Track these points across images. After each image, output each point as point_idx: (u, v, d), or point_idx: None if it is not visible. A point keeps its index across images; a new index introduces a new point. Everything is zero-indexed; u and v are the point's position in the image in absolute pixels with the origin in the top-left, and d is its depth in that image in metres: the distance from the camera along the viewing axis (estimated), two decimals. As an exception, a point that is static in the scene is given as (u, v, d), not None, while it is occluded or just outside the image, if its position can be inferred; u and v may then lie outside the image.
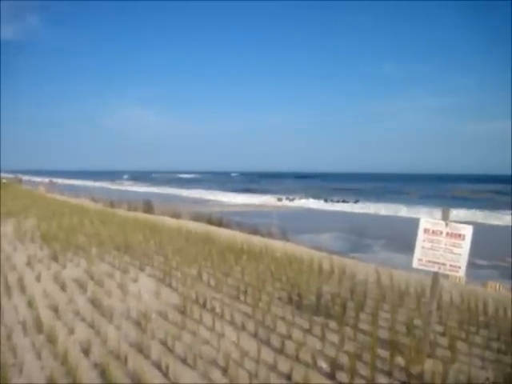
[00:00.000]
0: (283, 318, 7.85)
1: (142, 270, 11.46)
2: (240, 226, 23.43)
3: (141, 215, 25.31)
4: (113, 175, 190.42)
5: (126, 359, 6.23)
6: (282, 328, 7.38)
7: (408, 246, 7.14)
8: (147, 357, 6.37)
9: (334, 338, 7.03)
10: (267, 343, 6.86)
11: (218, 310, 8.30)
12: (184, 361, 6.24)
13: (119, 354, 6.37)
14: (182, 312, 8.15)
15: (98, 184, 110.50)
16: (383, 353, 6.41)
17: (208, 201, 65.08)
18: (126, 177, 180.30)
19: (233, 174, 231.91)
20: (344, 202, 71.11)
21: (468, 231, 6.01)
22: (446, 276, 9.21)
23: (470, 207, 56.78)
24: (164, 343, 6.82)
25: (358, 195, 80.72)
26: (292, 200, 73.21)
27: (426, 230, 6.23)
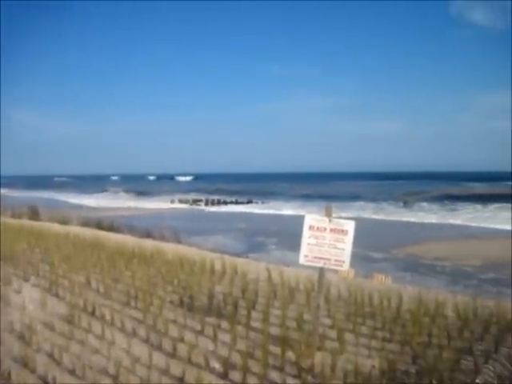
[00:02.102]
0: (175, 322, 7.76)
1: (26, 280, 10.84)
2: (131, 230, 22.97)
3: (26, 222, 24.03)
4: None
5: (9, 375, 5.88)
6: (173, 331, 7.28)
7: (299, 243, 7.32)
8: (33, 371, 6.05)
9: (226, 337, 7.04)
10: (159, 348, 6.74)
11: (107, 317, 8.04)
12: (72, 372, 5.98)
13: (1, 371, 6.00)
14: (70, 321, 7.82)
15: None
16: (275, 349, 6.50)
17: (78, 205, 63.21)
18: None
19: (113, 178, 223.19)
20: (237, 202, 71.85)
21: (350, 227, 6.25)
22: (336, 271, 9.51)
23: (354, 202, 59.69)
24: (50, 355, 6.49)
25: (250, 195, 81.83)
26: (186, 202, 72.89)
27: (310, 227, 6.40)
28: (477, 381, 5.76)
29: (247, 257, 16.75)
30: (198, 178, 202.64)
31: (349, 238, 6.24)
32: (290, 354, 6.32)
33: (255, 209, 59.95)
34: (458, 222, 42.71)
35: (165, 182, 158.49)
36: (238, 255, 16.41)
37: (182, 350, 6.54)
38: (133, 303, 8.85)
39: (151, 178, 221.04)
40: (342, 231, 6.26)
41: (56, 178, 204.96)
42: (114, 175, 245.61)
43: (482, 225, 39.59)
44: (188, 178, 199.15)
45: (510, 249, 23.99)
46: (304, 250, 6.46)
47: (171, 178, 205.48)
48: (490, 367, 6.16)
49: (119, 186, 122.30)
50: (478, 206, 55.92)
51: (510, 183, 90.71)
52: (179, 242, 19.38)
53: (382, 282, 11.89)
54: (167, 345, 6.79)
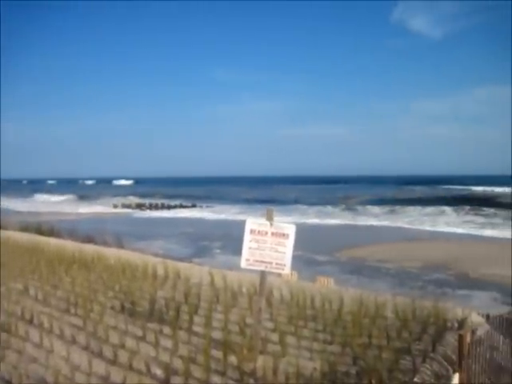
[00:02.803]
0: (116, 328, 7.64)
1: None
2: (72, 235, 22.46)
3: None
4: None
5: None
6: (114, 338, 7.17)
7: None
8: (-34, 383, 5.84)
9: (168, 343, 6.98)
10: (99, 355, 6.62)
11: (46, 324, 7.84)
12: (8, 382, 5.81)
13: None
14: (7, 330, 7.57)
15: None
16: (217, 353, 6.50)
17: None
18: None
19: (50, 182, 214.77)
20: (181, 206, 71.33)
21: (291, 230, 6.32)
22: (279, 274, 9.58)
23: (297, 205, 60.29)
24: (-15, 366, 6.28)
25: (195, 199, 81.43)
26: (129, 206, 71.77)
27: (252, 231, 6.44)
28: (415, 380, 5.92)
29: (191, 261, 16.65)
30: (138, 182, 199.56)
31: (290, 242, 6.30)
32: (233, 358, 6.33)
33: (200, 213, 59.75)
34: (399, 224, 43.75)
35: (104, 187, 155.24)
36: (182, 260, 16.31)
37: (123, 356, 6.45)
38: (72, 310, 8.66)
39: (90, 182, 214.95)
40: (283, 235, 6.32)
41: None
42: (50, 179, 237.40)
43: (422, 227, 40.68)
44: (128, 182, 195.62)
45: (449, 250, 24.91)
46: (245, 253, 6.48)
47: (109, 181, 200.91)
48: (428, 366, 6.34)
49: (57, 191, 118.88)
50: (418, 209, 57.50)
51: (448, 186, 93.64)
52: (122, 246, 19.10)
53: (324, 285, 12.03)
54: (108, 352, 6.68)
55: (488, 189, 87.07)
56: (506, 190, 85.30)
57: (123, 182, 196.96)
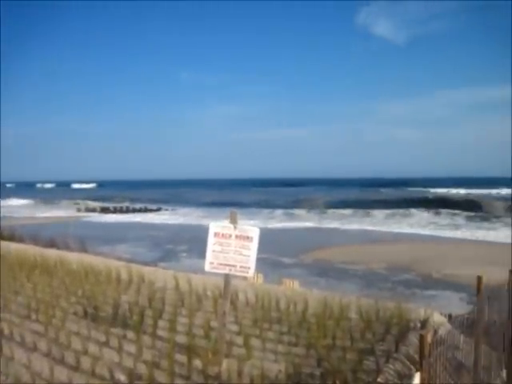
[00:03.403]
0: (78, 334, 7.51)
1: None
2: (34, 240, 22.00)
3: None
4: None
5: None
6: (77, 344, 7.04)
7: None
8: None
9: (131, 348, 6.90)
10: (61, 361, 6.50)
11: (6, 331, 7.66)
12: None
13: None
14: (-36, 338, 7.38)
15: None
16: (181, 358, 6.46)
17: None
18: None
19: (8, 185, 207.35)
20: (146, 209, 70.77)
21: (255, 233, 6.33)
22: (245, 277, 9.58)
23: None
24: None
25: (160, 202, 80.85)
26: (93, 210, 70.87)
27: (216, 234, 6.42)
28: (378, 380, 5.99)
29: (156, 265, 16.53)
30: (101, 185, 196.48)
31: (254, 245, 6.31)
32: (197, 362, 6.30)
33: (165, 216, 59.40)
34: (363, 226, 44.27)
35: (65, 190, 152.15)
36: (147, 264, 16.15)
37: (86, 362, 6.34)
38: (34, 316, 8.49)
39: (49, 185, 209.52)
40: (247, 238, 6.33)
41: None
42: (8, 183, 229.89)
43: (386, 229, 41.22)
44: (90, 186, 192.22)
45: (414, 251, 25.38)
46: (209, 256, 6.46)
47: (67, 185, 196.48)
48: (391, 366, 6.43)
49: (17, 194, 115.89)
50: (383, 211, 58.11)
51: (412, 189, 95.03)
52: (85, 251, 18.82)
53: (289, 287, 12.09)
54: (70, 358, 6.56)
55: (450, 191, 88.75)
56: (468, 191, 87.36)
57: (84, 185, 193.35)
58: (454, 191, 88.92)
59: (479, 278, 6.66)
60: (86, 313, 8.61)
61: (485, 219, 48.44)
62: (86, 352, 6.76)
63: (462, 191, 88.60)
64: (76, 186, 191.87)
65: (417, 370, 5.62)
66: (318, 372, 6.18)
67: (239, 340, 7.24)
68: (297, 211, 61.94)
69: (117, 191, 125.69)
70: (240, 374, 6.00)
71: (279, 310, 8.92)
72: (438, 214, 55.00)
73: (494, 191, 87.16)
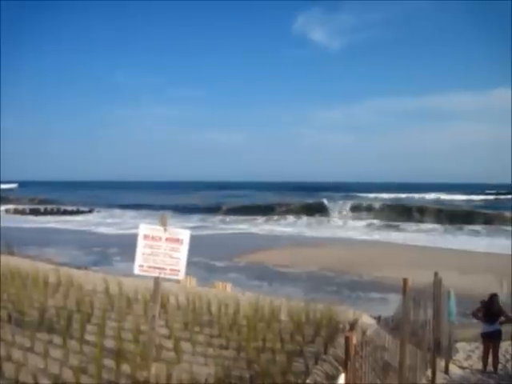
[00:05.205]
0: (1, 339, 7.24)
1: None
2: None
3: None
4: None
5: None
6: (-1, 350, 6.80)
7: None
8: None
9: (58, 353, 6.73)
10: (-18, 369, 6.25)
11: None
12: None
13: None
14: None
15: None
16: (110, 362, 6.36)
17: None
18: None
19: None
20: (79, 211, 68.99)
21: (186, 236, 6.31)
22: (178, 280, 9.51)
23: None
24: None
25: (93, 204, 79.00)
26: (22, 212, 68.42)
27: (145, 236, 6.35)
28: (307, 381, 6.09)
29: (86, 268, 16.18)
30: (23, 185, 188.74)
31: (184, 248, 6.29)
32: (126, 367, 6.22)
33: (98, 218, 58.13)
34: (298, 229, 44.99)
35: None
36: (78, 267, 15.79)
37: (9, 369, 6.12)
38: (-48, 322, 8.12)
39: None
40: (178, 240, 6.30)
41: None
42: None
43: (319, 234, 41.86)
44: (12, 186, 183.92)
45: (345, 255, 26.08)
46: (139, 259, 6.39)
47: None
48: (320, 367, 6.56)
49: None
50: (317, 216, 58.91)
51: (345, 194, 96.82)
52: (12, 253, 18.16)
53: (222, 290, 12.12)
54: (-8, 365, 6.32)
55: (379, 195, 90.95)
56: (398, 195, 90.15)
57: (3, 185, 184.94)
58: (385, 196, 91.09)
59: (405, 280, 6.90)
60: (10, 317, 8.31)
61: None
62: (9, 358, 6.52)
63: (391, 195, 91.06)
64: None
65: (343, 371, 5.78)
66: (247, 374, 6.23)
67: (169, 344, 7.21)
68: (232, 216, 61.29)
69: (45, 192, 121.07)
70: (169, 378, 5.97)
71: (210, 313, 8.93)
72: (368, 218, 56.22)
73: (417, 196, 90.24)
